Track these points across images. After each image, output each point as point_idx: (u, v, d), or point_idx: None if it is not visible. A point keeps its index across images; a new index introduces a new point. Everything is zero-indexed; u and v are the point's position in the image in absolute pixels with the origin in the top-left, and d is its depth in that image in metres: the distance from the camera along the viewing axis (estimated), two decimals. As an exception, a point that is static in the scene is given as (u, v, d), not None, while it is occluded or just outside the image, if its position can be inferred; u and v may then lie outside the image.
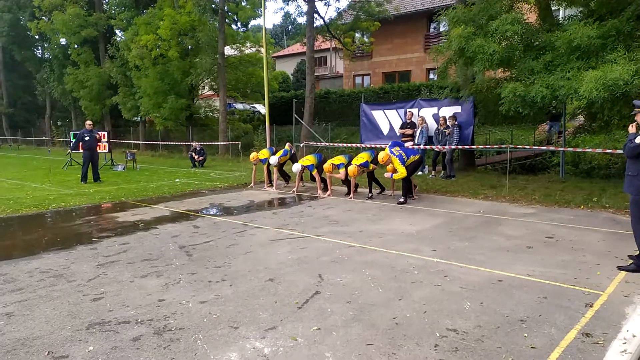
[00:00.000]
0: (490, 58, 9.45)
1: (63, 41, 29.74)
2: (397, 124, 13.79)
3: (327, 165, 9.95)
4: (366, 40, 23.58)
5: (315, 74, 24.21)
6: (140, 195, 10.59)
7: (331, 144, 16.38)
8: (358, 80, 27.62)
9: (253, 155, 11.58)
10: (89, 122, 13.49)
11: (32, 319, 3.84)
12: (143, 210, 8.77)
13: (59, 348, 3.34)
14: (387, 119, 14.18)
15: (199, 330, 3.59)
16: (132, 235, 6.79)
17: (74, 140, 14.63)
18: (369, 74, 26.82)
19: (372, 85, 25.76)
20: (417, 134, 12.80)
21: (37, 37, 34.03)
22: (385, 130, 14.22)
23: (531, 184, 10.51)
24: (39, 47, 37.74)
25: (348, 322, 3.71)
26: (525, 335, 3.44)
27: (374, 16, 19.88)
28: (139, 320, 3.79)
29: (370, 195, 9.94)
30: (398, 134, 13.47)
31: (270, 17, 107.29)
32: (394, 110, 14.07)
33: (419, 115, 13.19)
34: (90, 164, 12.72)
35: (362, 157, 9.66)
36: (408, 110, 13.53)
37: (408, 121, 13.26)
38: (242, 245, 6.16)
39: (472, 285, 4.50)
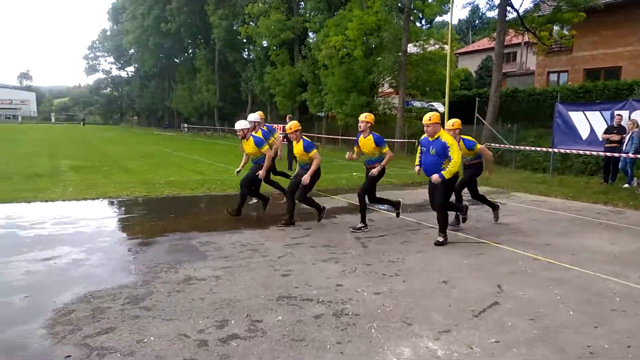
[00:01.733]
0: None
1: (265, 43, 33.56)
2: (599, 127, 12.06)
3: None
4: (566, 33, 21.06)
5: (503, 71, 22.60)
6: (320, 186, 11.38)
7: (515, 146, 15.16)
8: (553, 77, 24.85)
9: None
10: (289, 116, 15.08)
11: (234, 284, 4.48)
12: (323, 200, 9.41)
13: (255, 313, 3.83)
14: (588, 121, 12.50)
15: (373, 320, 3.73)
16: (314, 221, 7.35)
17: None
18: (566, 71, 23.90)
19: (570, 83, 22.92)
20: (626, 140, 10.99)
21: (244, 40, 39.10)
22: (584, 134, 12.56)
23: None
24: (246, 49, 43.32)
25: (531, 341, 3.43)
26: None
27: (579, 6, 17.62)
28: (320, 300, 4.10)
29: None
30: (601, 140, 11.77)
31: (457, 13, 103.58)
32: (598, 112, 12.32)
33: (629, 119, 11.31)
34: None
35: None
36: (616, 112, 11.70)
37: (616, 125, 11.47)
38: (416, 244, 6.16)
39: (696, 326, 3.72)
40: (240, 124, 7.53)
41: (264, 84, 32.84)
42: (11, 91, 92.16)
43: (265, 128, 9.04)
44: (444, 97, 16.24)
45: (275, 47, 31.35)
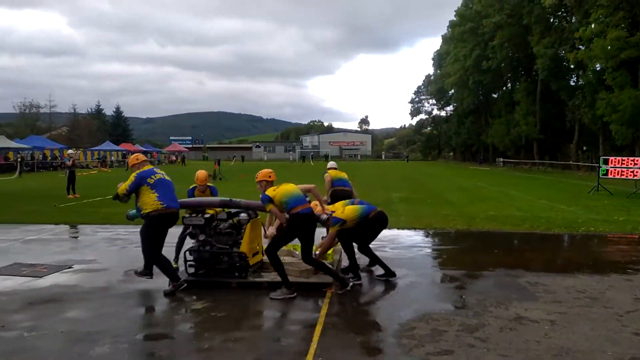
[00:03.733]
0: None
1: (598, 67, 29.73)
2: None
3: None
4: None
5: None
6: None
7: None
8: None
9: None
10: None
11: (572, 332, 4.13)
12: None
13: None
14: None
15: None
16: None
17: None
18: None
19: None
20: None
21: (572, 66, 35.63)
22: None
23: None
24: (573, 76, 39.36)
25: None
26: None
27: None
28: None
29: None
30: None
31: None
32: None
33: None
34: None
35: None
36: None
37: None
38: None
39: None
40: None
41: (596, 111, 28.94)
42: (354, 135, 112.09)
43: None
44: None
45: (612, 69, 27.33)
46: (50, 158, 41.95)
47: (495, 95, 57.20)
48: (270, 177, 5.53)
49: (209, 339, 4.08)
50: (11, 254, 7.36)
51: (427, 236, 9.22)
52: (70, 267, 6.54)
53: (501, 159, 51.10)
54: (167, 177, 5.54)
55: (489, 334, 4.09)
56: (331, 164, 8.12)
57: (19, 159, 33.38)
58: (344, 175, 7.70)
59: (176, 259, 6.43)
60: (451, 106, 73.26)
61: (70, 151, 20.80)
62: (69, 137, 62.28)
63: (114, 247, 8.00)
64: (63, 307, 4.96)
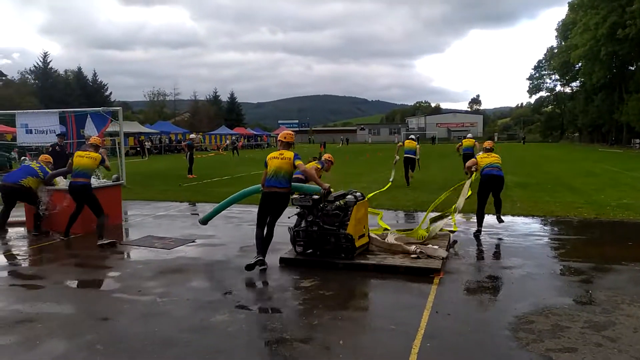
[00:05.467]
0: None
1: None
2: None
3: None
4: None
5: None
6: None
7: None
8: None
9: None
10: None
11: None
12: None
13: None
14: None
15: None
16: None
17: None
18: None
19: None
20: None
21: None
22: None
23: None
24: None
25: None
26: None
27: None
28: None
29: None
30: None
31: None
32: None
33: None
34: None
35: None
36: None
37: None
38: None
39: None
40: None
41: None
42: (464, 115, 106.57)
43: None
44: None
45: None
46: (174, 142, 46.26)
47: (632, 68, 50.39)
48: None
49: (317, 315, 4.21)
50: (145, 228, 8.30)
51: (546, 224, 8.50)
52: (193, 242, 7.18)
53: (638, 141, 45.18)
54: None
55: (620, 334, 3.66)
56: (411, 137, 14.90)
57: (145, 143, 37.36)
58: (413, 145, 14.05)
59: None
60: (577, 82, 66.05)
61: (192, 135, 22.69)
62: (191, 122, 68.09)
63: (229, 224, 8.60)
64: (188, 276, 5.47)
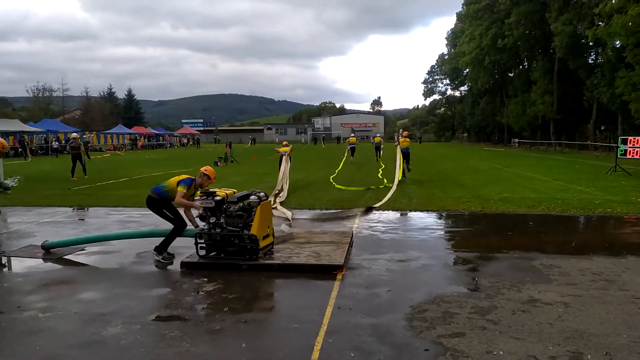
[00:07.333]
0: None
1: (618, 44, 28.89)
2: None
3: None
4: None
5: None
6: None
7: None
8: None
9: None
10: None
11: (587, 316, 4.05)
12: None
13: (616, 353, 3.37)
14: None
15: None
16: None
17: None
18: None
19: None
20: None
21: (591, 44, 34.66)
22: None
23: None
24: (592, 54, 38.36)
25: None
26: None
27: None
28: None
29: None
30: None
31: None
32: None
33: None
34: None
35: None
36: None
37: None
38: None
39: None
40: None
41: (615, 90, 28.24)
42: (367, 116, 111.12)
43: None
44: None
45: (633, 46, 26.52)
46: (64, 141, 42.41)
47: (511, 75, 56.14)
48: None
49: (220, 320, 4.09)
50: (26, 237, 7.48)
51: (439, 218, 9.13)
52: (83, 250, 6.61)
53: (517, 140, 50.39)
54: None
55: (502, 317, 4.04)
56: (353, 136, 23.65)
57: (26, 143, 33.60)
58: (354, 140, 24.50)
59: None
60: (465, 86, 72.14)
61: (74, 134, 20.72)
62: (82, 120, 62.83)
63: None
64: (76, 288, 5.02)
